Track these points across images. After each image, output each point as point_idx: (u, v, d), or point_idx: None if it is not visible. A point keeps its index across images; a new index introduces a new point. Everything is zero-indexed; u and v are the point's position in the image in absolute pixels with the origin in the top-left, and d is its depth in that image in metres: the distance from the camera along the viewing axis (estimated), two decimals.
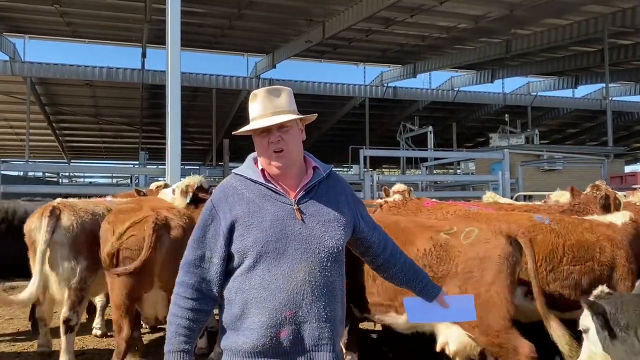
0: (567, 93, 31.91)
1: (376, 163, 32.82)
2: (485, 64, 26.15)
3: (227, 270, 2.23)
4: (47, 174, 24.07)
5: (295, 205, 2.23)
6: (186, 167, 18.97)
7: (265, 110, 2.25)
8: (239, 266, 2.19)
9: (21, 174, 19.88)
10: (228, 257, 2.21)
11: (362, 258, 2.56)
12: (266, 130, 2.23)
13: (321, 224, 2.24)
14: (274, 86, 2.35)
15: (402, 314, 3.80)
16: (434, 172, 26.36)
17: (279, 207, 2.22)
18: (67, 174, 26.53)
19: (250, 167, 2.32)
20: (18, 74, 21.45)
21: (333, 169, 2.45)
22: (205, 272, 2.21)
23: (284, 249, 2.16)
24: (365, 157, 14.61)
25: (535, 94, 30.81)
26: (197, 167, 14.78)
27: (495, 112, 30.37)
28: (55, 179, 24.29)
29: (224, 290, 2.22)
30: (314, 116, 2.41)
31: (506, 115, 27.30)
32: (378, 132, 31.70)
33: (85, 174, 28.03)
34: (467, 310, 2.62)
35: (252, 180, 2.28)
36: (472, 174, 23.54)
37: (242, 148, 26.18)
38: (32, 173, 20.92)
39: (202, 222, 2.26)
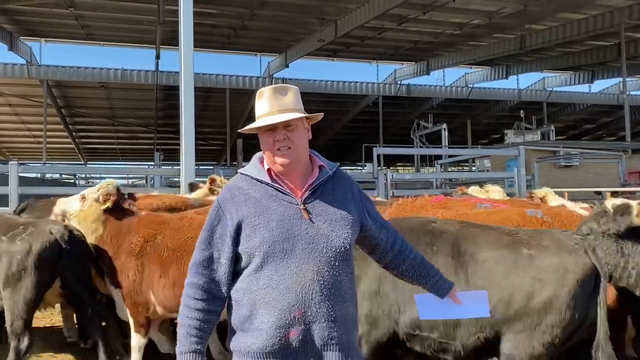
0: (583, 88, 31.52)
1: (390, 161, 32.71)
2: (500, 60, 25.92)
3: (235, 271, 2.23)
4: (63, 176, 24.34)
5: (302, 205, 2.22)
6: (200, 167, 19.07)
7: (271, 108, 2.24)
8: (246, 267, 2.19)
9: (38, 175, 20.15)
10: (235, 258, 2.21)
11: (370, 256, 2.54)
12: (272, 129, 2.22)
13: (328, 223, 2.23)
14: (280, 84, 2.35)
15: None
16: (449, 169, 26.19)
17: (286, 206, 2.21)
18: (83, 175, 26.79)
19: (256, 167, 2.31)
20: (34, 77, 21.76)
21: (339, 167, 2.43)
22: (214, 273, 2.21)
23: (291, 248, 2.16)
24: (378, 155, 14.54)
25: (550, 89, 30.45)
26: (212, 167, 14.85)
27: (510, 109, 30.10)
28: (72, 181, 24.57)
29: (231, 291, 2.22)
30: (320, 115, 2.40)
31: (521, 111, 27.04)
32: (392, 130, 31.60)
33: (102, 175, 28.24)
34: (481, 307, 2.59)
35: (258, 180, 2.27)
36: (487, 171, 23.35)
37: (255, 148, 26.11)
38: (50, 175, 21.17)
39: (209, 222, 2.26)
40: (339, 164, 2.50)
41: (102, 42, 23.31)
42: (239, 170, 2.37)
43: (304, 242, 2.17)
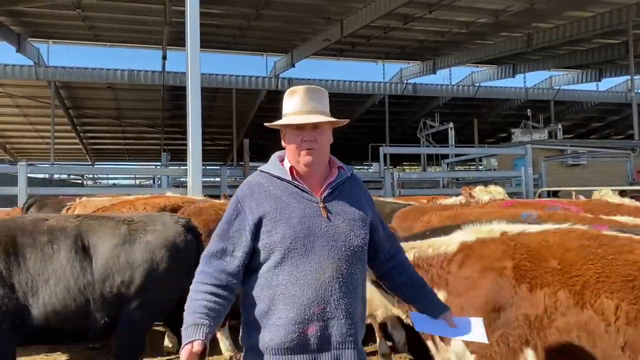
0: (590, 86, 31.36)
1: (396, 160, 32.67)
2: (506, 58, 25.83)
3: (252, 266, 2.24)
4: (71, 176, 24.50)
5: (321, 203, 2.26)
6: (207, 167, 19.12)
7: (302, 108, 2.29)
8: (264, 262, 2.21)
9: (46, 176, 20.28)
10: (253, 253, 2.22)
11: (368, 263, 2.51)
12: (300, 127, 2.28)
13: (347, 222, 2.27)
14: (313, 86, 2.40)
15: None
16: (456, 168, 26.12)
17: (306, 204, 2.25)
18: (91, 175, 26.97)
19: (276, 165, 2.35)
20: (42, 78, 21.88)
21: (354, 171, 2.49)
22: (226, 265, 2.22)
23: (311, 245, 2.18)
24: (385, 155, 14.55)
25: (557, 87, 30.32)
26: (218, 167, 14.87)
27: (517, 107, 29.97)
28: (80, 181, 24.73)
29: (248, 287, 2.24)
30: (345, 121, 2.46)
31: (528, 110, 26.91)
32: (398, 129, 31.56)
33: (109, 176, 28.42)
34: (478, 332, 2.56)
35: (278, 177, 2.31)
36: (494, 170, 23.27)
37: (262, 148, 26.33)
38: (57, 175, 21.31)
39: (227, 217, 2.28)
40: (354, 167, 2.56)
41: (109, 43, 23.42)
42: (259, 168, 2.42)
43: (323, 239, 2.20)
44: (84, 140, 31.38)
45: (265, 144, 25.50)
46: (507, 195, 7.91)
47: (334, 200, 2.30)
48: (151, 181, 21.45)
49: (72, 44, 23.74)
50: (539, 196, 12.34)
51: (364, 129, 31.22)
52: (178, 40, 19.36)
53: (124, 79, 22.56)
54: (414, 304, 2.56)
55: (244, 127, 27.83)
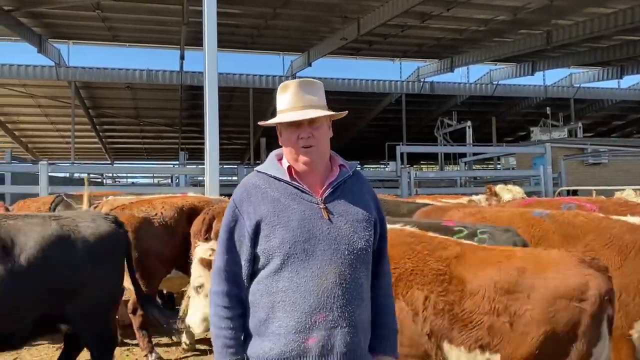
0: (612, 84, 30.77)
1: (413, 159, 32.51)
2: (525, 56, 25.49)
3: (251, 273, 2.14)
4: (91, 175, 24.85)
5: (322, 204, 2.13)
6: (224, 166, 19.22)
7: (296, 103, 2.17)
8: (264, 268, 2.10)
9: (67, 175, 20.57)
10: (253, 259, 2.12)
11: None
12: (296, 125, 2.15)
13: (349, 224, 2.14)
14: (305, 78, 2.28)
15: None
16: (473, 167, 25.91)
17: (306, 206, 2.12)
18: (110, 174, 27.33)
19: (274, 165, 2.22)
20: (63, 78, 22.21)
21: (358, 169, 2.36)
22: (236, 277, 2.13)
23: (312, 249, 2.06)
24: (402, 154, 14.50)
25: (578, 85, 29.85)
26: (235, 166, 14.97)
27: (536, 105, 29.60)
28: (100, 180, 25.06)
29: (247, 292, 2.14)
30: (344, 113, 2.34)
31: (548, 108, 26.58)
32: (415, 128, 31.39)
33: (128, 175, 28.74)
34: None
35: (276, 178, 2.17)
36: (512, 169, 23.02)
37: (279, 146, 26.38)
38: (78, 174, 21.61)
39: (226, 224, 2.17)
40: (358, 164, 2.49)
41: (127, 44, 23.67)
42: (255, 169, 2.31)
43: (325, 243, 2.08)
44: (103, 140, 31.78)
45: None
46: (525, 195, 7.86)
47: (335, 201, 2.16)
48: (169, 180, 21.64)
49: (92, 45, 24.03)
50: (558, 195, 12.19)
51: (380, 127, 31.12)
52: (196, 40, 19.48)
53: (143, 78, 22.79)
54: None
55: (260, 126, 27.88)
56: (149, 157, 37.55)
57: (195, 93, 23.65)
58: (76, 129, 24.37)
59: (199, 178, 17.09)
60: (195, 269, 4.35)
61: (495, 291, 3.28)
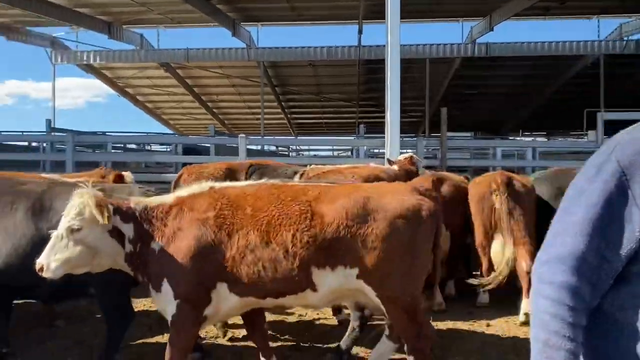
0: None
1: (616, 129, 28.89)
2: None
3: (623, 275, 1.47)
4: (279, 148, 26.88)
5: None
6: (403, 138, 19.18)
7: None
8: None
9: (258, 147, 22.47)
10: (635, 256, 1.43)
11: None
12: None
13: None
14: None
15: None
16: None
17: None
18: (295, 147, 29.28)
19: None
20: (253, 59, 24.08)
21: None
22: (593, 273, 1.45)
23: None
24: (604, 122, 12.98)
25: None
26: (414, 138, 14.89)
27: None
28: (286, 152, 27.00)
29: (606, 303, 1.49)
30: None
31: None
32: (617, 92, 27.78)
33: (310, 147, 30.45)
34: None
35: None
36: None
37: (455, 118, 25.51)
38: (267, 147, 23.48)
39: (602, 195, 1.45)
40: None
41: (309, 22, 24.72)
42: None
43: None
44: (288, 115, 33.95)
45: (458, 114, 24.66)
46: None
47: None
48: (348, 152, 22.39)
49: (278, 25, 25.61)
50: None
51: (572, 94, 28.18)
52: (373, 13, 19.58)
53: (323, 55, 23.65)
54: None
55: (437, 97, 27.28)
56: (328, 131, 39.17)
57: (371, 67, 23.89)
58: (265, 106, 26.38)
59: (375, 151, 17.40)
60: (80, 209, 4.08)
61: (347, 217, 4.07)
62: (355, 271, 4.08)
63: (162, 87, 28.68)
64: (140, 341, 6.14)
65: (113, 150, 18.22)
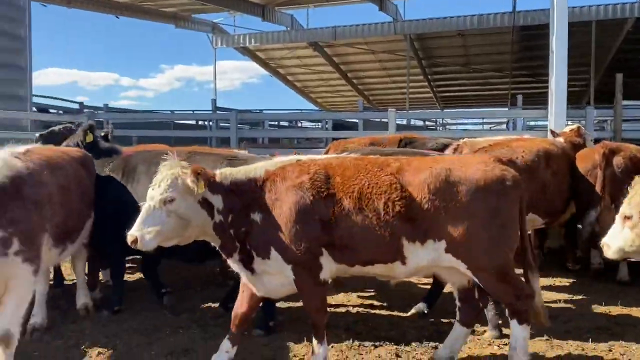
0: None
1: None
2: None
3: None
4: (426, 122, 26.45)
5: None
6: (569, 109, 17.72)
7: None
8: None
9: (404, 122, 22.31)
10: None
11: None
12: None
13: None
14: None
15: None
16: None
17: None
18: (441, 121, 28.56)
19: None
20: (399, 32, 23.78)
21: None
22: None
23: None
24: None
25: None
26: (582, 108, 13.61)
27: None
28: (433, 127, 26.48)
29: None
30: None
31: None
32: None
33: (458, 121, 29.47)
34: None
35: None
36: None
37: (629, 85, 22.79)
38: (413, 121, 23.23)
39: None
40: None
41: None
42: None
43: None
44: (434, 89, 33.14)
45: (633, 81, 21.97)
46: None
47: None
48: (501, 126, 21.36)
49: None
50: None
51: None
52: None
53: (474, 24, 22.57)
54: None
55: (604, 63, 24.63)
56: (476, 104, 37.50)
57: (527, 34, 22.29)
58: (410, 80, 26.02)
59: (531, 123, 16.32)
60: (172, 180, 4.12)
61: (429, 190, 4.13)
62: (443, 244, 4.15)
63: (311, 66, 29.66)
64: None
65: (269, 128, 19.37)
